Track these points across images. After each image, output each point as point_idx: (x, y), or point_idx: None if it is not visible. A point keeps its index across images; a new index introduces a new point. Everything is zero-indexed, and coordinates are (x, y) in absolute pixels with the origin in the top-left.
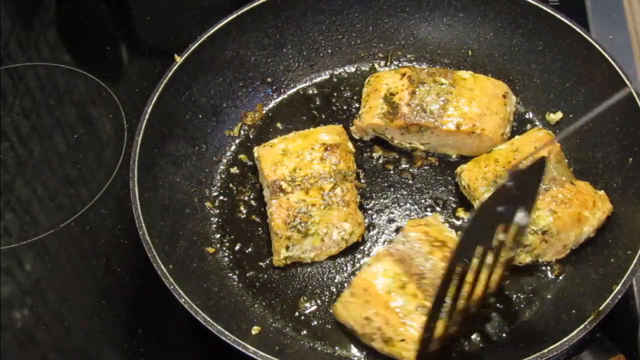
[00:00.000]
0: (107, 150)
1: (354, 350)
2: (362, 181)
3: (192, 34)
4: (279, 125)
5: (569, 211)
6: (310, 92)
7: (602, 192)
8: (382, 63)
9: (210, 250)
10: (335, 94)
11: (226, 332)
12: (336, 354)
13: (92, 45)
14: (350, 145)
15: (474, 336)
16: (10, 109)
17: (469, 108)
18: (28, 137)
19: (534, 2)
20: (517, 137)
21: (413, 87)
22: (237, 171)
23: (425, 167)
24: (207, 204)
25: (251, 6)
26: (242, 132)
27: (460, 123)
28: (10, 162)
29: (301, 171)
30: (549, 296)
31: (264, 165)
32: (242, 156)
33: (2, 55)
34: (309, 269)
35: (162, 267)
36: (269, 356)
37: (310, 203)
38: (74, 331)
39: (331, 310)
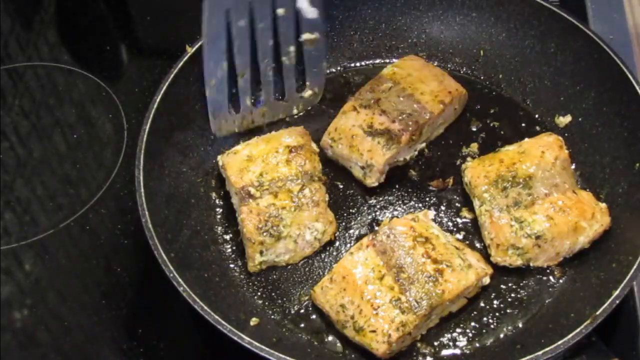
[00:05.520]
0: (107, 150)
1: (351, 346)
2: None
3: (192, 34)
4: (287, 118)
5: (566, 219)
6: None
7: (603, 205)
8: (394, 60)
9: (214, 240)
10: (345, 89)
11: (223, 322)
12: (333, 349)
13: (92, 45)
14: (313, 145)
15: (471, 336)
16: (10, 109)
17: (429, 86)
18: (28, 137)
19: (547, 4)
20: (526, 139)
21: (377, 108)
22: None
23: (432, 165)
24: (213, 194)
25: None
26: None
27: (442, 100)
28: (10, 162)
29: (268, 175)
30: (548, 300)
31: (230, 172)
32: None
33: (2, 55)
34: (310, 262)
35: (163, 255)
36: (264, 347)
37: (281, 206)
38: (74, 331)
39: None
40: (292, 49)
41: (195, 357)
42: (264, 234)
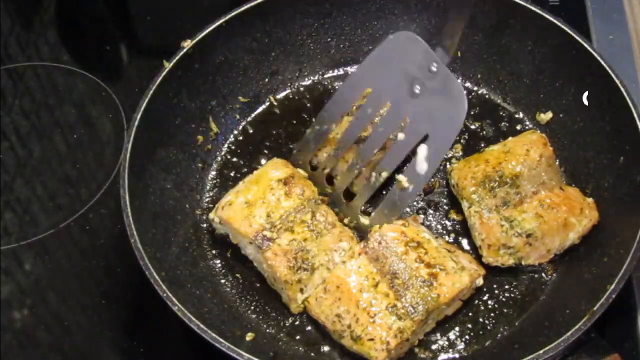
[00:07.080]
0: (107, 150)
1: (348, 355)
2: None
3: (191, 35)
4: (267, 143)
5: (555, 216)
6: (300, 95)
7: (590, 200)
8: None
9: (203, 256)
10: (324, 97)
11: (220, 340)
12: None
13: (92, 45)
14: (301, 171)
15: (468, 338)
16: (10, 109)
17: None
18: (28, 137)
19: (522, 3)
20: (510, 138)
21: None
22: (228, 176)
23: None
24: (198, 210)
25: (239, 10)
26: (232, 136)
27: None
28: (10, 162)
29: (275, 214)
30: (542, 297)
31: (236, 225)
32: (234, 159)
33: (2, 55)
34: None
35: (155, 274)
36: None
37: (302, 239)
38: (74, 331)
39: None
40: (384, 174)
41: (195, 357)
42: (298, 271)
